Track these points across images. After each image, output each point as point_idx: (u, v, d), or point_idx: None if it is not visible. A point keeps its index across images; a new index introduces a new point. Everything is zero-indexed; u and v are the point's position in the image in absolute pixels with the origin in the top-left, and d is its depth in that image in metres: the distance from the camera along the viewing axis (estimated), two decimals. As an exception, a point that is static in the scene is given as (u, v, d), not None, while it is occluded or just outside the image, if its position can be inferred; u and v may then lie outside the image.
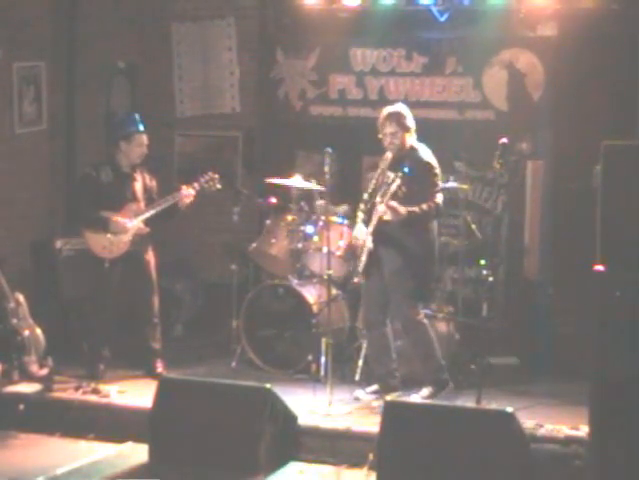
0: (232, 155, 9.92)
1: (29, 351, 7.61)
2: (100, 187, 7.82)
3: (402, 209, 7.04)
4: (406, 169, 7.02)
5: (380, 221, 7.17)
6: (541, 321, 8.30)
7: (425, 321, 7.38)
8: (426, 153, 7.31)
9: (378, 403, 7.02)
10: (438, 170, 7.29)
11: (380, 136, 7.32)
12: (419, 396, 7.25)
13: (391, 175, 7.10)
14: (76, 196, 8.19)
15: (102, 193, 7.81)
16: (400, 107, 7.39)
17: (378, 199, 7.18)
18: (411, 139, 7.32)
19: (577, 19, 8.55)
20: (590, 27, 8.44)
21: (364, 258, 7.32)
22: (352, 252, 7.76)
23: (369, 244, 7.26)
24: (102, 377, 7.77)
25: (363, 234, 7.33)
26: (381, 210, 7.15)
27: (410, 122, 7.32)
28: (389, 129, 7.27)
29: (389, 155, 7.34)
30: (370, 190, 7.37)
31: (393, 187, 7.02)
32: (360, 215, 7.42)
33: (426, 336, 7.33)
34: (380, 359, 7.47)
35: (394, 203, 7.03)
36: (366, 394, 7.36)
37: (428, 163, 7.25)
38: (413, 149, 7.29)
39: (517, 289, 8.90)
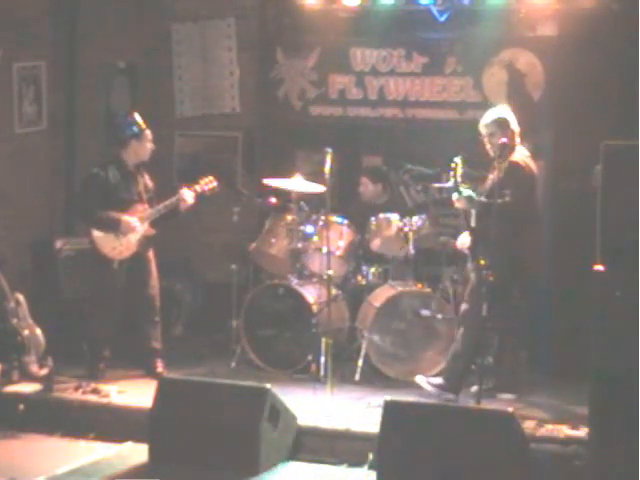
0: (232, 155, 9.92)
1: (29, 351, 7.60)
2: (108, 187, 7.84)
3: (471, 195, 7.12)
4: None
5: (478, 221, 7.24)
6: (541, 321, 8.29)
7: (478, 327, 7.25)
8: (518, 155, 7.28)
9: (378, 403, 7.02)
10: (526, 170, 7.24)
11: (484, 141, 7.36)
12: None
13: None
14: (83, 196, 8.07)
15: (110, 193, 7.83)
16: (502, 110, 7.40)
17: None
18: (512, 141, 7.28)
19: (577, 19, 8.56)
20: (590, 27, 8.44)
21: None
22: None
23: (466, 244, 7.42)
24: (102, 377, 7.77)
25: (462, 239, 7.51)
26: (454, 198, 7.23)
27: (512, 125, 7.31)
28: (487, 130, 7.32)
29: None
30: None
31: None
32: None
33: (468, 340, 7.28)
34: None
35: (468, 191, 7.12)
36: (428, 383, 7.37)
37: (512, 163, 7.21)
38: (511, 151, 7.26)
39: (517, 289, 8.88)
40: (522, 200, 7.18)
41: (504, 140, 7.16)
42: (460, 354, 7.32)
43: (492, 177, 7.32)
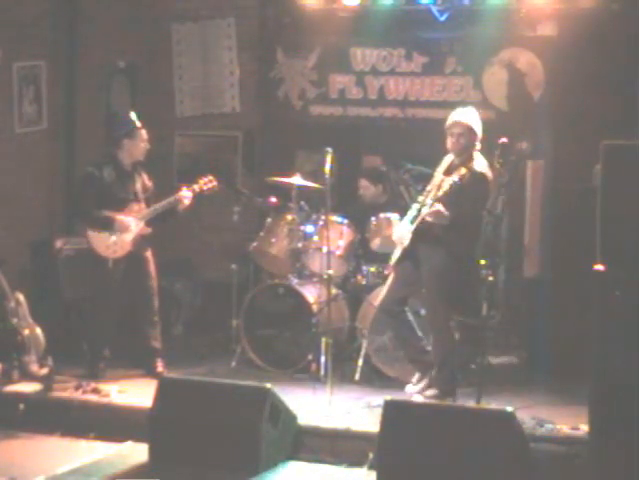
0: (232, 155, 9.93)
1: (29, 351, 7.61)
2: (103, 186, 7.84)
3: (446, 214, 7.02)
4: (456, 178, 6.96)
5: (424, 221, 7.16)
6: (541, 321, 8.30)
7: (451, 329, 7.39)
8: (481, 164, 7.21)
9: (378, 403, 7.02)
10: (490, 185, 7.17)
11: (449, 137, 7.25)
12: (422, 396, 7.26)
13: (446, 180, 7.08)
14: (79, 195, 8.13)
15: (105, 192, 7.83)
16: (471, 112, 7.32)
17: (428, 200, 7.16)
18: (473, 146, 7.24)
19: (577, 19, 8.57)
20: (590, 27, 8.45)
21: (397, 254, 7.38)
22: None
23: (406, 242, 7.30)
24: (102, 377, 7.77)
25: (401, 231, 7.41)
26: (425, 211, 7.17)
27: (477, 129, 7.24)
28: (456, 130, 7.22)
29: (448, 159, 7.32)
30: (426, 191, 7.33)
31: (440, 193, 7.04)
32: (410, 214, 7.39)
33: (447, 344, 7.32)
34: (408, 340, 7.53)
35: (439, 206, 7.02)
36: (417, 393, 7.36)
37: (479, 174, 7.13)
38: (471, 158, 7.20)
39: (517, 289, 8.90)
40: (475, 212, 7.08)
41: (504, 140, 7.14)
42: (443, 361, 7.30)
43: (447, 182, 7.11)
